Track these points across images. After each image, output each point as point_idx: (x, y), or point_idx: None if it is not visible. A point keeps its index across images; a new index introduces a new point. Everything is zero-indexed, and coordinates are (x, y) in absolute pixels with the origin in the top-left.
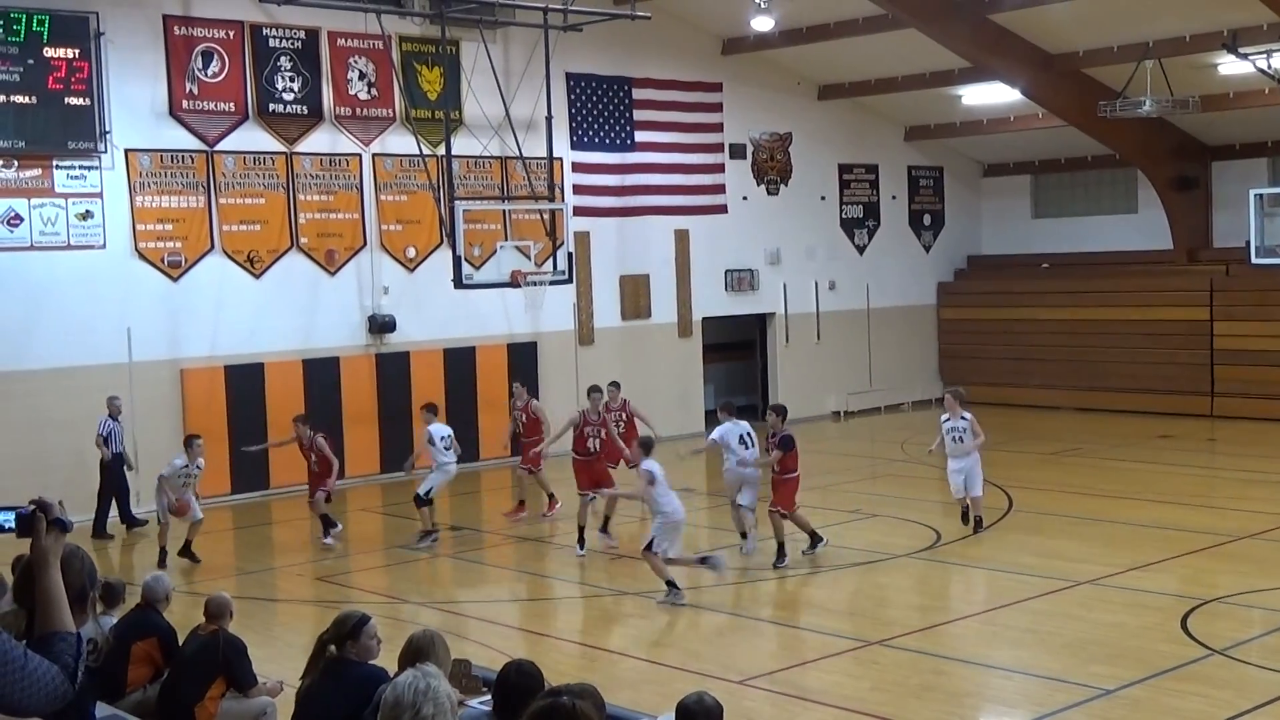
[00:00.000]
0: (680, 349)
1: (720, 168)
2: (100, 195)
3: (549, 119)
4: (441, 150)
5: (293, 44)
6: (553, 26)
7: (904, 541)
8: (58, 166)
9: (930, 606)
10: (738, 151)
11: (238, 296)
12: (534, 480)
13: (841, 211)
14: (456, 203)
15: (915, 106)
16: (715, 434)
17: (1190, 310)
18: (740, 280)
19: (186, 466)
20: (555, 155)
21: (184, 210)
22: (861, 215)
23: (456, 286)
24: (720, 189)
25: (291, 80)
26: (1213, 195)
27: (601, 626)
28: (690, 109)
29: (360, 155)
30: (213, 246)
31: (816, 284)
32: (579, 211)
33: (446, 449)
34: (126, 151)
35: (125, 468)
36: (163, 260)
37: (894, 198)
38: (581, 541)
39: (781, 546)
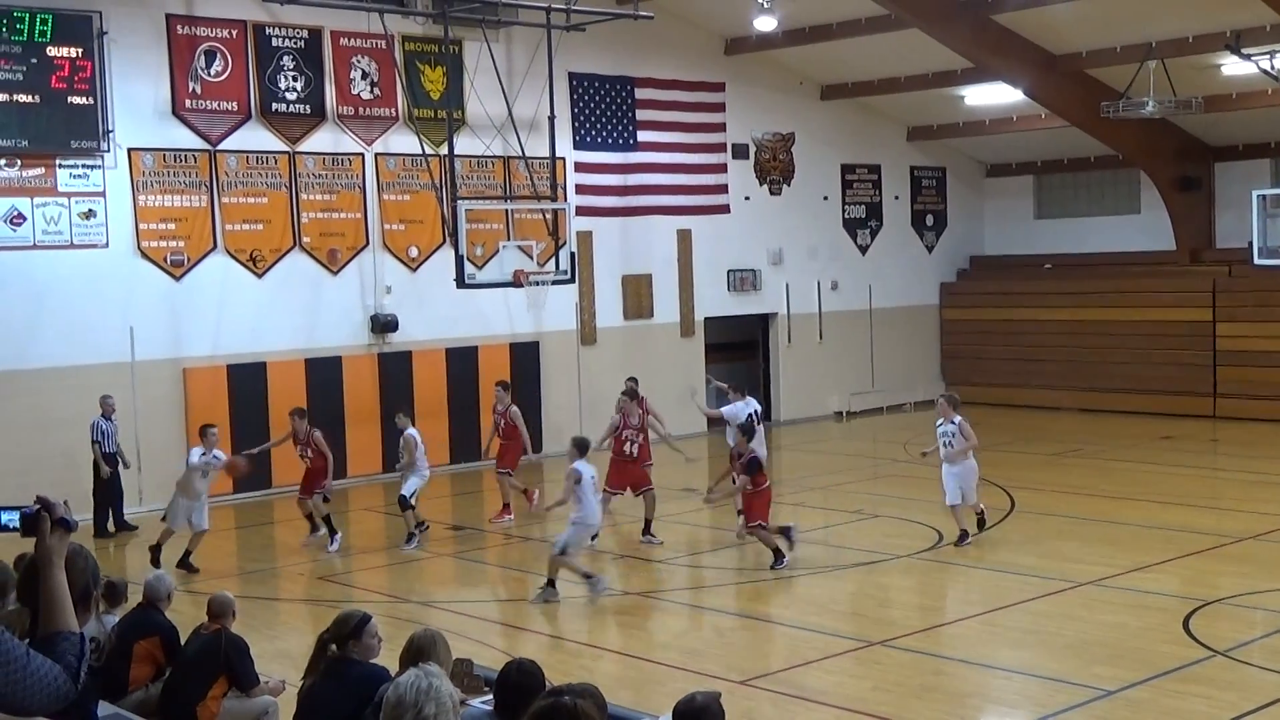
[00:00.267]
0: (682, 349)
1: (723, 168)
2: (103, 194)
3: (551, 118)
4: (444, 150)
5: (295, 43)
6: (555, 26)
7: (906, 542)
8: (61, 166)
9: (932, 607)
10: (740, 151)
11: (240, 296)
12: (508, 482)
13: (844, 211)
14: (459, 202)
15: (918, 107)
16: (726, 411)
17: (1193, 311)
18: (743, 280)
19: (205, 455)
20: (558, 155)
21: (187, 209)
22: (864, 215)
23: (459, 286)
24: (723, 189)
25: (294, 80)
26: (1215, 196)
27: (603, 626)
28: (693, 109)
29: (363, 155)
30: (215, 246)
31: (819, 284)
32: (581, 211)
33: (424, 454)
34: (129, 151)
35: (121, 466)
36: (165, 259)
37: (896, 198)
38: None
39: (776, 551)
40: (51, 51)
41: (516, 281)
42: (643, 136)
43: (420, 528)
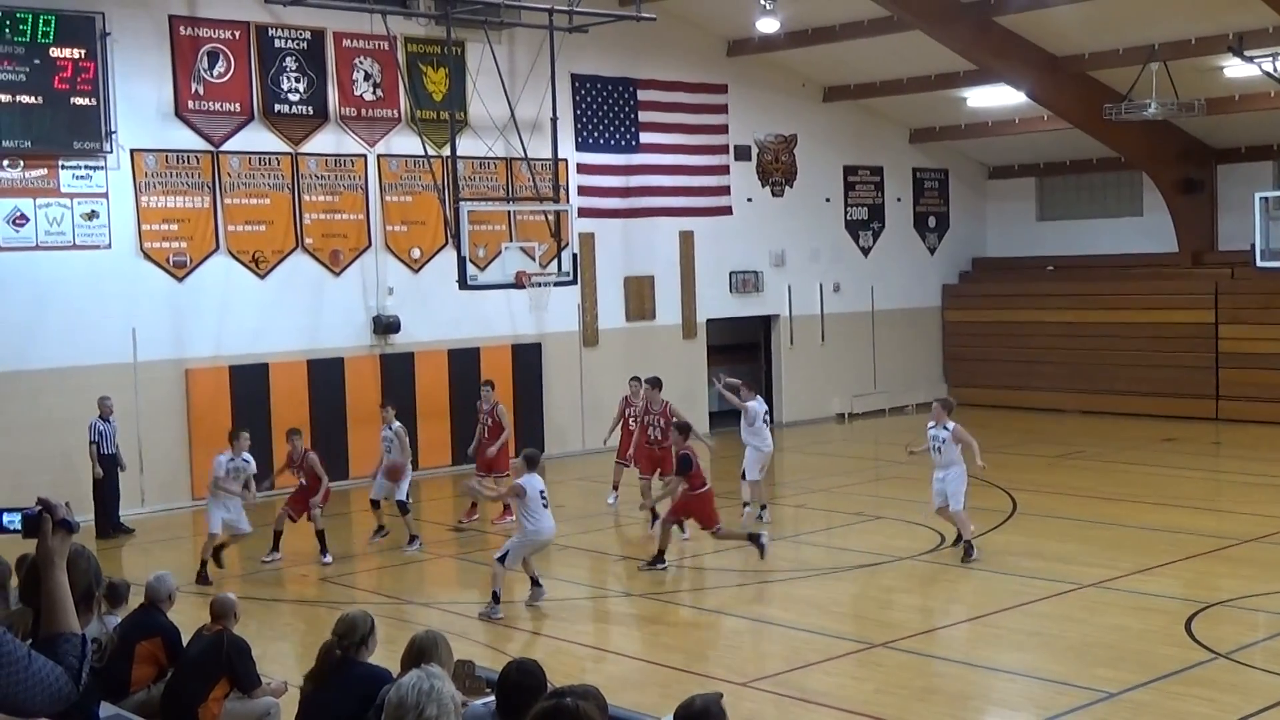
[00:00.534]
0: (685, 350)
1: (725, 169)
2: (106, 195)
3: (554, 120)
4: (446, 151)
5: (298, 45)
6: (558, 28)
7: (908, 544)
8: (63, 166)
9: (934, 609)
10: (742, 153)
11: (242, 297)
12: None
13: (846, 213)
14: (461, 204)
15: (920, 108)
16: (751, 404)
17: (1195, 313)
18: (745, 282)
19: (233, 460)
20: (560, 156)
21: (189, 210)
22: (866, 217)
23: (461, 287)
24: (725, 190)
25: (297, 81)
26: (1218, 198)
27: (605, 627)
28: (695, 110)
29: (365, 156)
30: (218, 247)
31: (821, 286)
32: (584, 213)
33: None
34: (132, 151)
35: (119, 468)
36: (168, 260)
37: (899, 200)
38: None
39: (753, 537)
40: (54, 53)
41: (519, 283)
42: (645, 138)
43: (380, 533)
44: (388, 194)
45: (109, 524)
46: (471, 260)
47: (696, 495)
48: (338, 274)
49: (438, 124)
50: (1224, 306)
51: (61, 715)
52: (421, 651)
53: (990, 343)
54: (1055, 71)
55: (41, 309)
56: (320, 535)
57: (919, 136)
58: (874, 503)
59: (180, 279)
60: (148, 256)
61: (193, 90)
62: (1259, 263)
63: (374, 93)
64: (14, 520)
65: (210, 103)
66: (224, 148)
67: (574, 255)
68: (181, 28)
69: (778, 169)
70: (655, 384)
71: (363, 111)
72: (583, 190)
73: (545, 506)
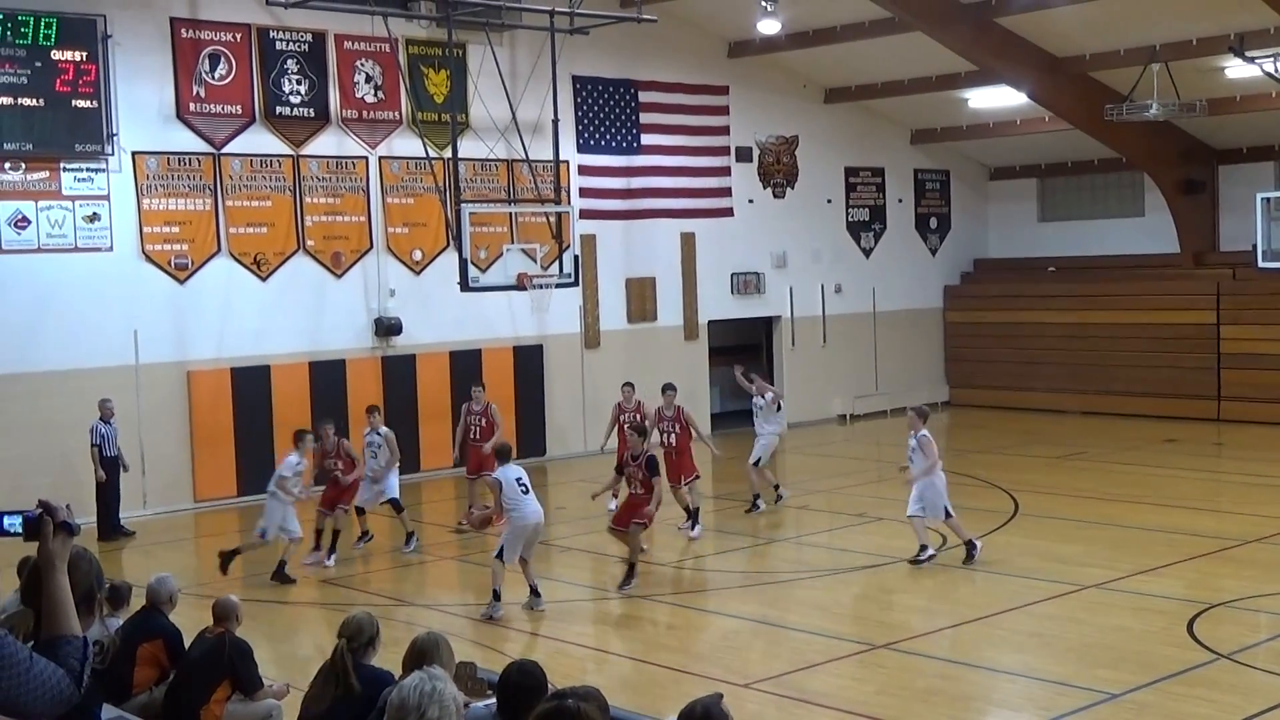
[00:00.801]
0: (686, 352)
1: (726, 170)
2: (107, 198)
3: (555, 122)
4: (448, 153)
5: (299, 47)
6: (559, 29)
7: (909, 545)
8: (65, 169)
9: (935, 610)
10: (744, 154)
11: (244, 299)
12: (480, 486)
13: (847, 214)
14: (462, 205)
15: (921, 110)
16: (776, 393)
17: (1197, 314)
18: (746, 283)
19: (300, 463)
20: (561, 158)
21: (191, 213)
22: (867, 218)
23: (463, 289)
24: (726, 192)
25: (298, 83)
26: (1219, 199)
27: (606, 629)
28: (696, 112)
29: (367, 158)
30: (219, 249)
31: (822, 287)
32: (585, 214)
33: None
34: (133, 154)
35: (121, 470)
36: (169, 263)
37: (900, 201)
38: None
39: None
40: (56, 55)
41: (520, 285)
42: (646, 139)
43: (365, 538)
44: (389, 196)
45: (111, 526)
46: (473, 262)
47: (642, 496)
48: (339, 276)
49: (439, 126)
50: (1225, 307)
51: (63, 717)
52: (423, 653)
53: (992, 344)
54: (1056, 72)
55: (43, 311)
56: (335, 535)
57: (920, 137)
58: (876, 504)
59: (182, 281)
60: (149, 259)
61: (194, 92)
62: (1260, 263)
63: (375, 95)
64: (15, 523)
65: (211, 105)
66: (225, 150)
67: (575, 257)
68: (183, 30)
69: (779, 170)
70: (670, 389)
71: (364, 113)
72: (584, 192)
73: (525, 493)
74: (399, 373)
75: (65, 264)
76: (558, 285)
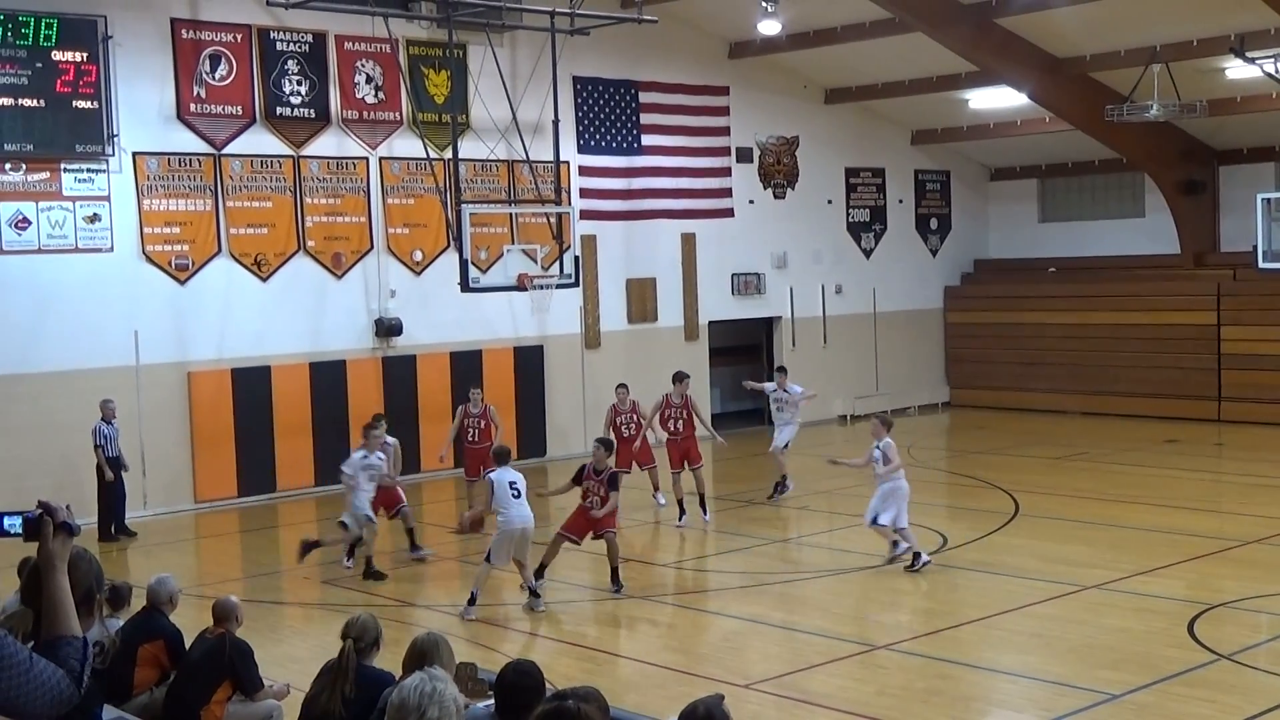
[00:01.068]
0: (687, 352)
1: (727, 171)
2: (108, 198)
3: (555, 122)
4: (448, 153)
5: (300, 47)
6: (559, 30)
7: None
8: (65, 170)
9: (936, 611)
10: (744, 155)
11: (245, 300)
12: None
13: (848, 215)
14: (463, 206)
15: (922, 110)
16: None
17: (1197, 315)
18: (747, 284)
19: (366, 457)
20: (562, 159)
21: (191, 213)
22: (868, 219)
23: (463, 290)
24: (727, 192)
25: (299, 84)
26: (1220, 199)
27: (606, 629)
28: (697, 112)
29: (367, 158)
30: (220, 250)
31: (823, 287)
32: (585, 215)
33: None
34: (134, 155)
35: (121, 470)
36: (170, 263)
37: (900, 201)
38: (682, 515)
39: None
40: (56, 56)
41: (520, 285)
42: (647, 140)
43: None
44: (389, 196)
45: (115, 527)
46: (473, 263)
47: (585, 508)
48: (339, 277)
49: (439, 126)
50: (1226, 308)
51: (63, 718)
52: (422, 654)
53: (992, 344)
54: (1057, 73)
55: (43, 312)
56: (411, 533)
57: (921, 138)
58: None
59: (182, 282)
60: (150, 259)
61: (194, 93)
62: (1261, 264)
63: (376, 95)
64: (15, 524)
65: (212, 105)
66: (226, 150)
67: (576, 257)
68: (183, 31)
69: (779, 171)
70: (680, 378)
71: (364, 114)
72: (584, 192)
73: (517, 498)
74: (399, 373)
75: (66, 265)
76: (558, 286)
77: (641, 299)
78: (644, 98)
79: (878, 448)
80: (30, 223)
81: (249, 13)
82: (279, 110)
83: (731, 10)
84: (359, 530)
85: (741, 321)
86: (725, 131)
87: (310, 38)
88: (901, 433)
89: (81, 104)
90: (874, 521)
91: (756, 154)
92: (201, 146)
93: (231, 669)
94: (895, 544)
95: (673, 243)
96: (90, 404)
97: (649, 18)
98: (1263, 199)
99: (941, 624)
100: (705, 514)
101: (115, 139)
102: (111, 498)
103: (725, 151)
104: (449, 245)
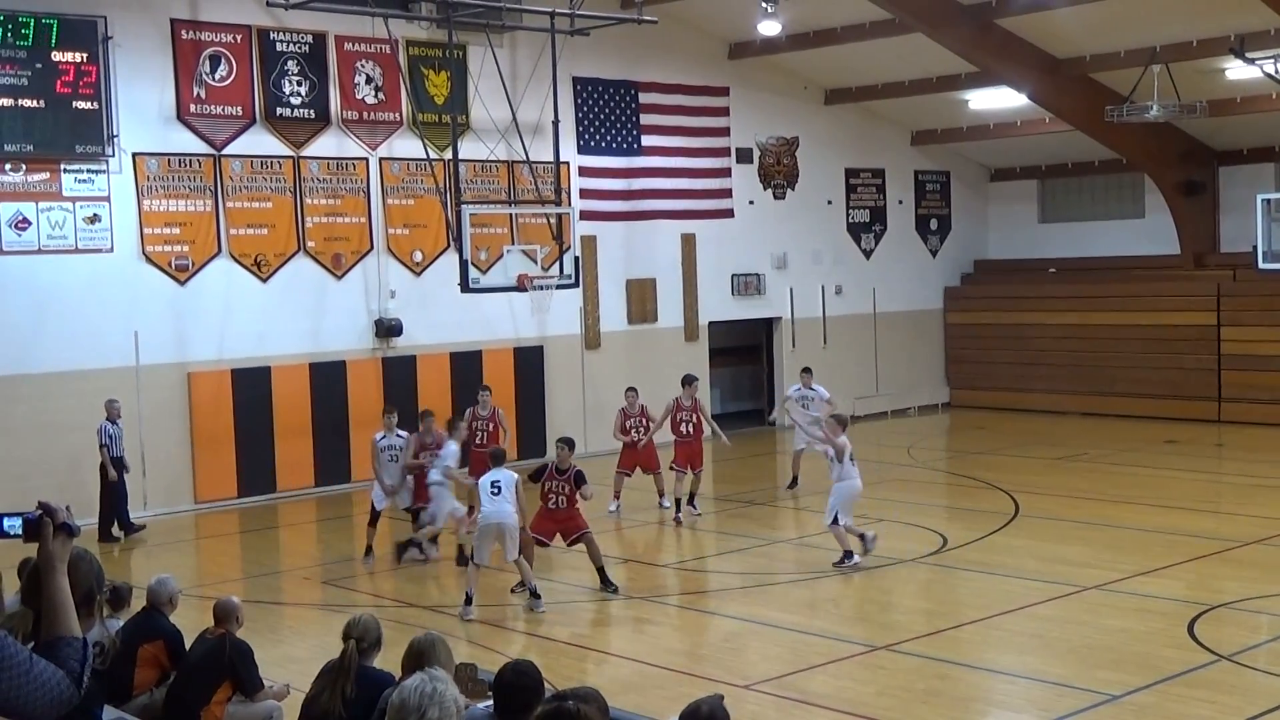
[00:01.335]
0: (687, 353)
1: (727, 172)
2: (108, 199)
3: (555, 123)
4: (448, 154)
5: (300, 48)
6: (559, 31)
7: (910, 546)
8: (65, 170)
9: (936, 611)
10: (744, 156)
11: (245, 300)
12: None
13: (848, 216)
14: (463, 207)
15: (922, 111)
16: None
17: (1197, 315)
18: (747, 284)
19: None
20: (562, 159)
21: (191, 214)
22: (868, 219)
23: (463, 290)
24: (727, 193)
25: (299, 84)
26: (1220, 200)
27: (606, 630)
28: (697, 113)
29: (367, 159)
30: (220, 250)
31: (823, 288)
32: (585, 215)
33: None
34: (134, 155)
35: (123, 470)
36: (170, 264)
37: (900, 202)
38: (679, 512)
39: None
40: (57, 56)
41: (520, 286)
42: (647, 141)
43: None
44: (389, 197)
45: (121, 526)
46: (473, 263)
47: (566, 511)
48: (339, 277)
49: (439, 127)
50: (1226, 309)
51: (64, 719)
52: (420, 654)
53: (992, 345)
54: (1056, 74)
55: (43, 313)
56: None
57: (920, 139)
58: (876, 505)
59: (182, 282)
60: (150, 260)
61: (194, 94)
62: (1261, 265)
63: (375, 96)
64: (15, 525)
65: (212, 106)
66: (226, 151)
67: (576, 258)
68: (183, 31)
69: (779, 171)
70: (690, 381)
71: (364, 115)
72: (584, 193)
73: (496, 494)
74: (399, 374)
75: (66, 265)
76: (558, 286)
77: (641, 299)
78: (644, 98)
79: (834, 443)
80: (30, 223)
81: (249, 13)
82: (279, 111)
83: (731, 11)
84: (439, 526)
85: (741, 322)
86: (725, 132)
87: (310, 38)
88: (902, 433)
89: (81, 104)
90: (834, 522)
91: (756, 154)
92: (201, 147)
93: (231, 669)
94: (863, 537)
95: (673, 243)
96: (90, 405)
97: (649, 18)
98: (1263, 199)
99: (941, 624)
100: (695, 508)
101: (115, 139)
102: (114, 497)
103: (725, 152)
104: (449, 246)
